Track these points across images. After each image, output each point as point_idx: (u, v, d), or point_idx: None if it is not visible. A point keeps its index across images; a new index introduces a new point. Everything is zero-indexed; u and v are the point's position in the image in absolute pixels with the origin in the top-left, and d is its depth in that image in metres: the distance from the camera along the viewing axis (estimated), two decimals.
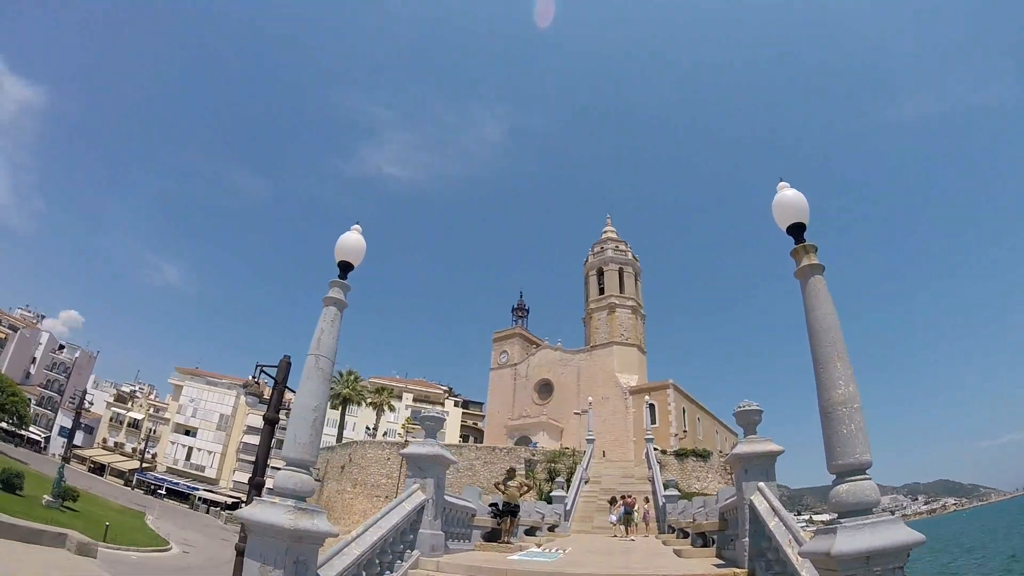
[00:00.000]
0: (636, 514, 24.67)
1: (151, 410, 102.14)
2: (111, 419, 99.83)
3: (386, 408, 74.50)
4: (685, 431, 60.77)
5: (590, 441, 46.64)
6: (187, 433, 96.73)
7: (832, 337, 6.12)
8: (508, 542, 15.12)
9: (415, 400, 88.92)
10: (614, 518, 25.86)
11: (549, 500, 29.33)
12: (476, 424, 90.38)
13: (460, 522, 13.98)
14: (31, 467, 45.91)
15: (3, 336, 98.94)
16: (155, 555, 29.14)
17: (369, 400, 72.95)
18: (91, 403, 79.93)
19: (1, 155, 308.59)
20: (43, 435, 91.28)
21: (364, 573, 8.44)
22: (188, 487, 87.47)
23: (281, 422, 12.85)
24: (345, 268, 8.09)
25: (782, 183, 7.13)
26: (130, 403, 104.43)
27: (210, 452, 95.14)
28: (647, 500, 27.65)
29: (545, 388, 71.09)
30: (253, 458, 14.16)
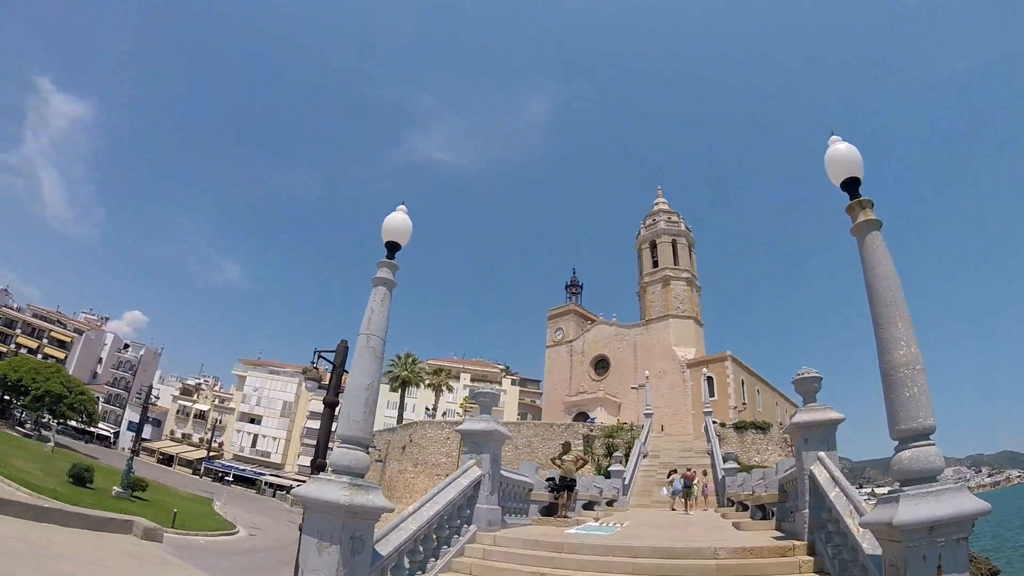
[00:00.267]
0: (695, 488, 24.42)
1: (216, 401, 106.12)
2: (177, 412, 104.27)
3: (444, 389, 75.46)
4: (744, 403, 59.78)
5: (648, 415, 46.29)
6: (252, 421, 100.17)
7: (893, 296, 5.85)
8: (566, 516, 15.11)
9: (472, 380, 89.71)
10: (666, 492, 25.65)
11: (607, 475, 29.23)
12: (534, 402, 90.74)
13: (517, 497, 14.02)
14: (101, 461, 48.07)
15: (69, 339, 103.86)
16: (223, 539, 30.14)
17: (427, 382, 73.90)
18: (157, 397, 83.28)
19: (56, 170, 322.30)
20: (112, 431, 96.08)
21: (421, 548, 8.53)
22: (254, 473, 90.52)
23: (340, 405, 13.07)
24: (392, 248, 8.14)
25: (833, 137, 6.85)
26: (195, 395, 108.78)
27: (275, 438, 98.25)
28: (705, 473, 27.31)
29: (601, 364, 70.74)
30: (316, 442, 14.47)
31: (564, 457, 16.28)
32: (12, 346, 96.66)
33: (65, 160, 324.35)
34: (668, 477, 25.87)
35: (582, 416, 62.73)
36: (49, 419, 68.85)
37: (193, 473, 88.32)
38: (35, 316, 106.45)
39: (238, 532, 33.75)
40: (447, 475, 11.41)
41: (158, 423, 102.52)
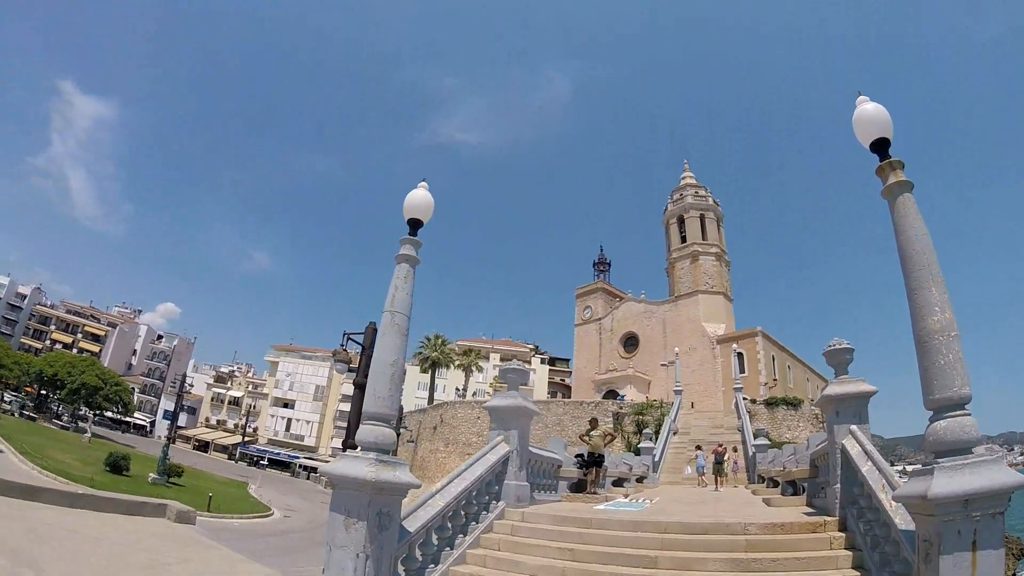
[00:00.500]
0: (726, 464, 24.25)
1: (250, 387, 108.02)
2: (212, 399, 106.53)
3: (474, 369, 75.95)
4: (775, 379, 59.24)
5: (678, 392, 45.98)
6: (285, 406, 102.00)
7: (926, 260, 5.65)
8: (595, 492, 15.07)
9: (502, 360, 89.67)
10: (689, 470, 25.51)
11: (637, 452, 29.14)
12: (563, 380, 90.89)
13: (546, 473, 13.99)
14: (138, 450, 49.15)
15: (103, 333, 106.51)
16: (258, 521, 30.66)
17: (457, 362, 74.40)
18: (191, 386, 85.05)
19: (84, 169, 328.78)
20: (148, 420, 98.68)
21: (449, 525, 8.55)
22: (289, 456, 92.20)
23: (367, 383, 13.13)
24: (415, 225, 8.12)
25: (861, 97, 6.64)
26: (229, 382, 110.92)
27: (308, 422, 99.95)
28: (735, 450, 27.10)
29: (630, 341, 70.48)
30: (347, 423, 14.57)
31: (592, 433, 16.20)
32: (47, 342, 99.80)
33: (92, 159, 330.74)
34: (694, 454, 25.77)
35: (612, 394, 62.70)
36: (86, 411, 70.78)
37: (229, 458, 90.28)
38: (68, 312, 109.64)
39: (273, 514, 34.32)
40: None
41: (193, 411, 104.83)
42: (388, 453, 7.09)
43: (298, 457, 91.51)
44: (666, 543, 8.22)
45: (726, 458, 24.42)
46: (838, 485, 8.73)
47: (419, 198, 8.18)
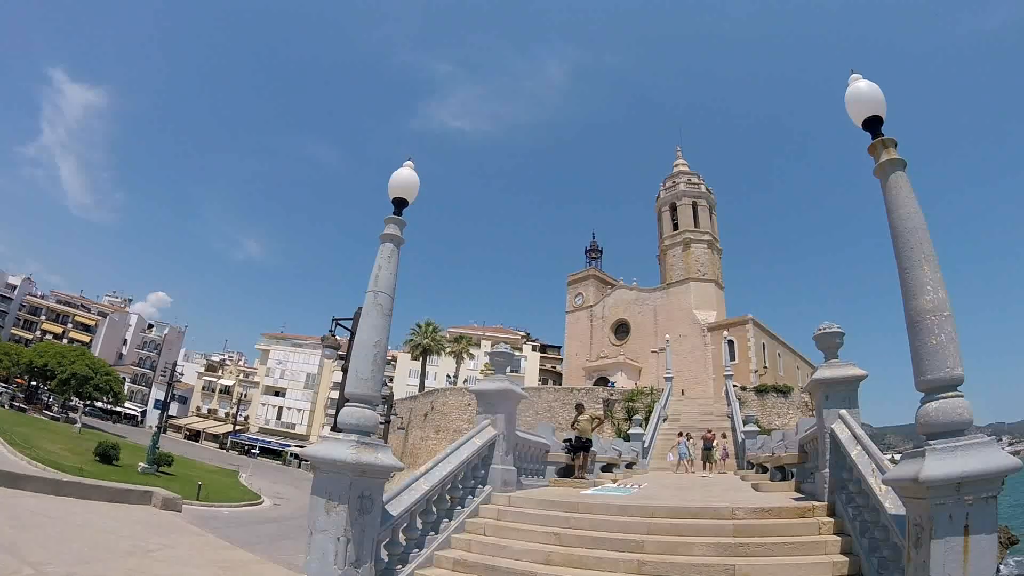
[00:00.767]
0: (715, 450, 24.30)
1: (241, 376, 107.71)
2: (203, 388, 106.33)
3: (465, 356, 75.84)
4: (765, 367, 59.41)
5: (668, 379, 46.17)
6: (276, 394, 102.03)
7: (918, 238, 5.53)
8: (583, 478, 14.99)
9: (493, 347, 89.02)
10: (671, 456, 25.52)
11: (627, 438, 29.16)
12: (555, 367, 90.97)
13: (533, 458, 13.92)
14: (128, 440, 48.95)
15: (93, 322, 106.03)
16: (247, 509, 30.55)
17: (448, 349, 74.38)
18: (182, 374, 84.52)
19: (74, 158, 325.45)
20: (139, 410, 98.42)
21: (434, 509, 8.48)
22: (280, 444, 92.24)
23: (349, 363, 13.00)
24: (400, 204, 8.05)
25: (854, 75, 6.50)
26: (220, 371, 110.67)
27: (299, 410, 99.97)
28: (724, 436, 27.14)
29: (622, 328, 70.54)
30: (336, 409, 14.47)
31: (579, 418, 16.12)
32: (38, 333, 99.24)
33: (83, 148, 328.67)
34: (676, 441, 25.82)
35: (603, 381, 62.76)
36: (76, 401, 70.34)
37: (220, 447, 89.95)
38: (59, 302, 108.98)
39: (263, 502, 34.20)
40: None
41: (184, 400, 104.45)
42: (370, 435, 7.02)
43: (289, 445, 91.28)
44: (653, 527, 8.14)
45: (715, 444, 24.48)
46: (827, 470, 8.65)
47: (404, 177, 8.09)
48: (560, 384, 68.62)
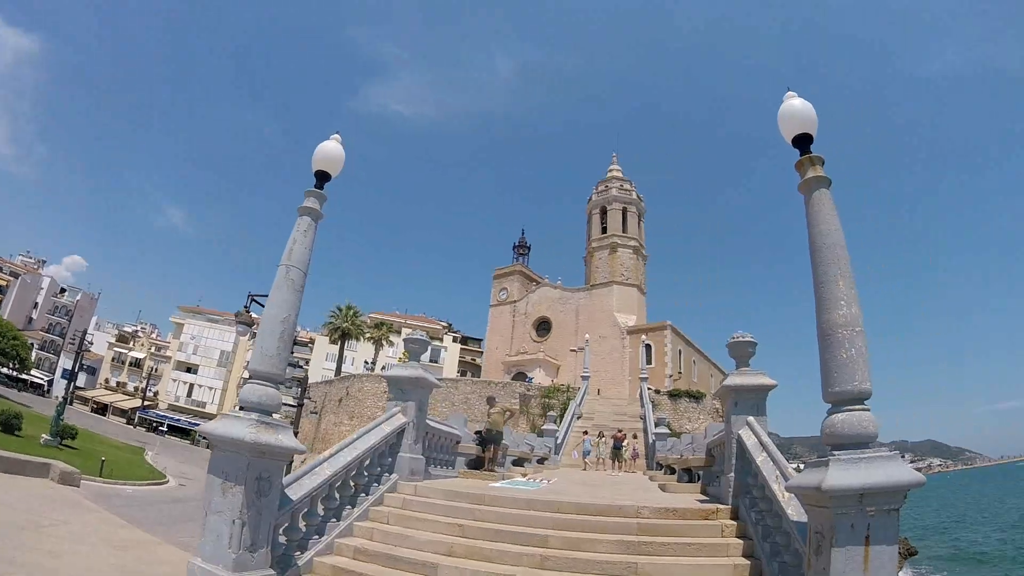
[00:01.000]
0: (625, 450, 24.66)
1: (152, 349, 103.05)
2: (113, 359, 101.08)
3: (385, 343, 74.72)
4: (680, 372, 60.91)
5: (585, 378, 46.73)
6: (188, 370, 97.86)
7: (836, 255, 5.61)
8: (493, 471, 14.91)
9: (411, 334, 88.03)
10: (576, 454, 25.82)
11: (541, 434, 29.34)
12: (475, 360, 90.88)
13: (444, 448, 13.76)
14: (34, 409, 46.20)
15: (4, 283, 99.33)
16: (151, 488, 29.35)
17: (368, 335, 73.15)
18: (91, 343, 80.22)
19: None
20: (46, 379, 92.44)
21: (337, 495, 8.28)
22: (189, 423, 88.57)
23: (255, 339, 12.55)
24: (322, 178, 7.82)
25: (789, 93, 6.59)
26: (132, 343, 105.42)
27: (211, 388, 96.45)
28: (635, 436, 27.58)
29: (543, 325, 71.01)
30: None
31: (491, 411, 16.03)
32: None
33: (10, 96, 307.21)
34: (598, 437, 26.12)
35: (521, 376, 63.11)
36: None
37: (128, 423, 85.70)
38: None
39: (168, 482, 32.92)
40: None
41: (93, 371, 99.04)
42: (272, 415, 6.75)
43: (199, 424, 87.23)
44: (558, 523, 8.13)
45: (625, 444, 24.84)
46: (732, 474, 8.81)
47: (329, 150, 7.86)
48: (479, 377, 68.59)
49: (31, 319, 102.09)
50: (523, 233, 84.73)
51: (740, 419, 9.00)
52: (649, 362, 57.87)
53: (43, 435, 30.87)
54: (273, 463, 6.52)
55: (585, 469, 23.80)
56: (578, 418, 36.68)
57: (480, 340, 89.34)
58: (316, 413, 57.00)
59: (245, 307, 18.45)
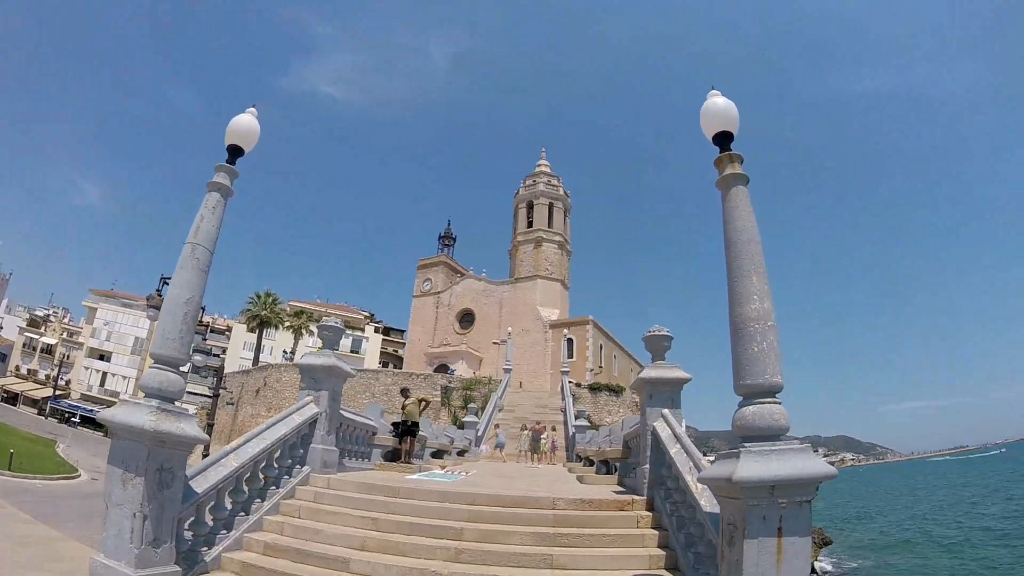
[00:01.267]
0: (544, 442, 24.82)
1: (64, 335, 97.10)
2: (24, 345, 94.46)
3: (304, 332, 73.01)
4: (601, 367, 61.88)
5: (507, 371, 46.94)
6: (101, 358, 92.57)
7: (751, 250, 5.64)
8: (410, 463, 14.69)
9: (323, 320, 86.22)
10: (486, 448, 25.91)
11: (461, 426, 29.24)
12: (397, 351, 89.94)
13: (359, 440, 13.46)
14: None
15: None
16: (62, 482, 27.94)
17: (287, 323, 71.44)
18: (0, 327, 75.16)
19: None
20: None
21: (245, 487, 7.96)
22: None
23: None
24: (234, 152, 7.50)
25: (713, 91, 6.58)
26: (44, 328, 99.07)
27: (125, 377, 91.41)
28: (554, 429, 27.80)
29: (467, 317, 70.89)
30: None
31: (406, 401, 15.79)
32: None
33: None
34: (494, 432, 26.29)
35: (443, 368, 62.84)
36: None
37: (39, 413, 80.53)
38: None
39: (80, 476, 31.38)
40: None
41: (3, 357, 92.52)
42: (174, 401, 6.43)
43: None
44: (473, 515, 8.02)
45: (544, 436, 25.00)
46: (647, 466, 8.88)
47: (244, 124, 7.53)
48: (401, 368, 67.95)
49: None
50: (449, 224, 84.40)
51: (655, 411, 9.09)
52: (571, 356, 58.69)
53: None
54: (175, 453, 6.23)
55: (505, 461, 23.83)
56: (499, 411, 36.77)
57: (403, 331, 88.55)
58: (233, 404, 55.41)
59: (157, 291, 17.69)
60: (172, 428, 6.03)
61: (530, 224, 72.76)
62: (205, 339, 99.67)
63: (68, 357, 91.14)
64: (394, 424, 15.67)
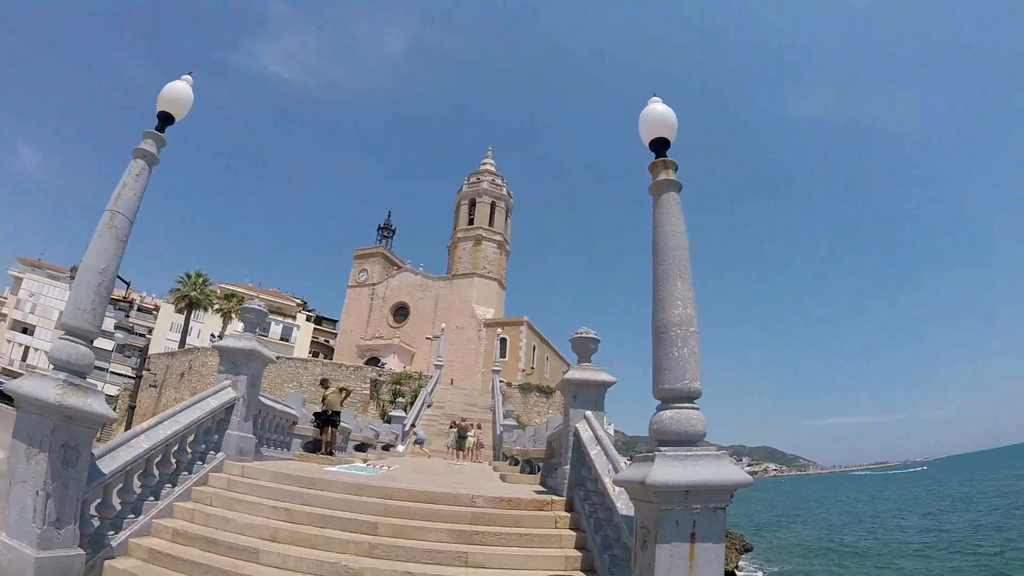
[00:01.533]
0: (470, 439, 24.76)
1: None
2: None
3: (234, 315, 71.03)
4: (533, 367, 62.20)
5: (439, 367, 46.75)
6: (25, 331, 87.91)
7: (678, 256, 5.66)
8: (331, 454, 14.44)
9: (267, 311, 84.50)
10: (402, 448, 25.77)
11: (388, 420, 28.92)
12: (328, 341, 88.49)
13: (279, 429, 13.17)
14: None
15: None
16: None
17: (217, 306, 69.31)
18: None
19: None
20: None
21: (156, 471, 7.72)
22: None
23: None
24: (165, 120, 7.24)
25: (654, 98, 6.56)
26: None
27: (48, 352, 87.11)
28: (479, 427, 27.72)
29: (401, 311, 70.22)
30: None
31: (326, 392, 15.46)
32: None
33: None
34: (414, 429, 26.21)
35: (374, 360, 62.06)
36: None
37: None
38: None
39: None
40: None
41: None
42: (84, 376, 6.17)
43: None
44: (390, 510, 7.91)
45: (470, 434, 24.94)
46: (568, 466, 8.93)
47: (177, 91, 7.29)
48: (331, 359, 66.86)
49: None
50: (389, 215, 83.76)
51: (578, 413, 9.15)
52: (504, 355, 58.76)
53: None
54: (82, 430, 6.01)
55: (430, 457, 23.68)
56: (429, 407, 36.58)
57: (335, 321, 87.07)
58: (156, 386, 53.54)
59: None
60: (79, 404, 5.80)
61: (471, 221, 72.57)
62: (128, 316, 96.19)
63: None
64: (315, 414, 15.34)
